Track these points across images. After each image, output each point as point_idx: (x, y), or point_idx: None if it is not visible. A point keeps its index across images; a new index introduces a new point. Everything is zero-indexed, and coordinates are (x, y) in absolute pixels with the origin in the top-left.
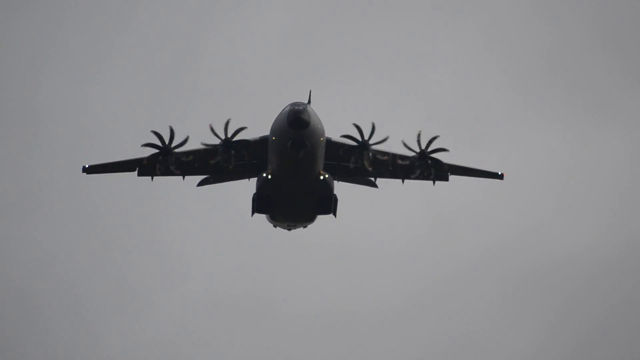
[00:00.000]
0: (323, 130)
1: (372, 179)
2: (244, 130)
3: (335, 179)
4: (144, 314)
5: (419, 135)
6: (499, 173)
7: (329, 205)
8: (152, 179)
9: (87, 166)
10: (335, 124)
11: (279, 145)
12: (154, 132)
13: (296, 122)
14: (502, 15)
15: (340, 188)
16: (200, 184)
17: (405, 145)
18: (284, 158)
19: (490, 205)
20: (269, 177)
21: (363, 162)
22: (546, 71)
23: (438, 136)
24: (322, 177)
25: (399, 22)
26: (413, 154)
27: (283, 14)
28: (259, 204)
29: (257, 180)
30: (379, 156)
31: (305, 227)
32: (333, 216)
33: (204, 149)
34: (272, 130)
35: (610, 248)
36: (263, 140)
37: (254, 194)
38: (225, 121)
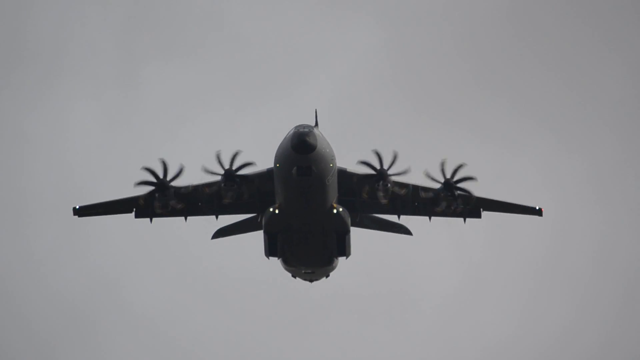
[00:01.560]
0: (333, 156)
1: (403, 224)
2: (252, 167)
3: (356, 221)
4: None
5: (442, 164)
6: (537, 208)
7: (341, 244)
8: (151, 220)
9: (77, 207)
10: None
11: (284, 172)
12: (146, 169)
13: (300, 146)
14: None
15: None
16: (216, 235)
17: (428, 175)
18: (290, 187)
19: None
20: (276, 211)
21: (377, 193)
22: None
23: (464, 164)
24: (335, 211)
25: None
26: (437, 185)
27: None
28: (270, 243)
29: (264, 216)
30: (396, 189)
31: (327, 276)
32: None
33: (203, 184)
34: (276, 157)
35: None
36: (270, 172)
37: (263, 232)
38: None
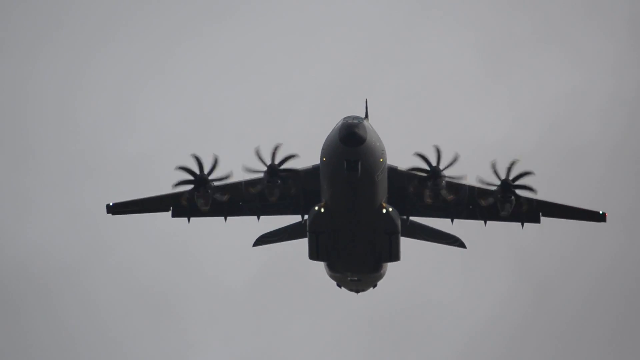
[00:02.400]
0: (383, 150)
1: (456, 235)
2: (295, 160)
3: (407, 225)
4: None
5: (494, 165)
6: (600, 213)
7: (391, 246)
8: (188, 220)
9: (111, 204)
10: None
11: (331, 166)
12: (181, 168)
13: (349, 138)
14: None
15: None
16: (257, 243)
17: (481, 181)
18: (337, 184)
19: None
20: (322, 210)
21: (439, 192)
22: None
23: (518, 160)
24: (384, 211)
25: None
26: (493, 187)
27: None
28: (315, 244)
29: (309, 215)
30: (445, 192)
31: (374, 286)
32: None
33: (245, 181)
34: (322, 150)
35: None
36: (316, 169)
37: (307, 232)
38: (273, 147)
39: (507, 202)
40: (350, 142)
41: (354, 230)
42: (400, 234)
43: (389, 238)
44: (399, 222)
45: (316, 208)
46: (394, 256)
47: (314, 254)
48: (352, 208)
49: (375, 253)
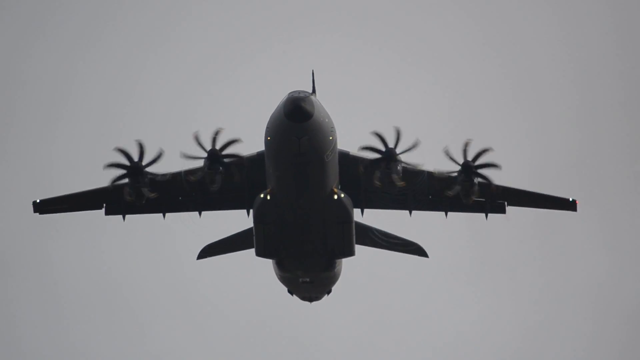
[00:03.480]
0: (332, 127)
1: (417, 242)
2: (238, 145)
3: (362, 237)
4: None
5: (465, 146)
6: (571, 200)
7: (344, 238)
8: (123, 217)
9: (38, 201)
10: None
11: (276, 145)
12: (119, 150)
13: (295, 112)
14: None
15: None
16: (201, 255)
17: (447, 154)
18: (283, 165)
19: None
20: (268, 197)
21: (391, 176)
22: None
23: (491, 149)
24: (336, 197)
25: None
26: (454, 171)
27: None
28: (261, 237)
29: (254, 204)
30: (410, 169)
31: (329, 292)
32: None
33: (184, 171)
34: (267, 129)
35: None
36: (260, 155)
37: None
38: (213, 131)
39: (471, 187)
40: (296, 117)
41: (303, 220)
42: (353, 225)
43: (342, 228)
44: (352, 211)
45: (262, 195)
46: (348, 250)
47: (261, 249)
48: (300, 194)
49: (328, 246)
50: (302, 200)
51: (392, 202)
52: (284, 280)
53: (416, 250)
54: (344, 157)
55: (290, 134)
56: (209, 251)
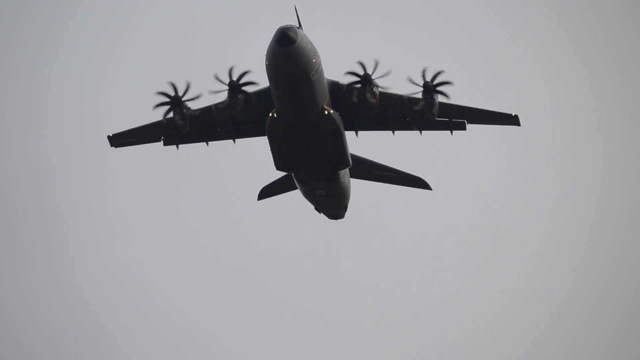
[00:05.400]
0: (315, 52)
1: (422, 178)
2: (250, 75)
3: (371, 173)
4: None
5: (424, 71)
6: (513, 115)
7: (337, 147)
8: (177, 147)
9: (111, 135)
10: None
11: (271, 67)
12: (160, 93)
13: (282, 38)
14: None
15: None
16: (261, 196)
17: (410, 80)
18: (279, 83)
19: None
20: (275, 115)
21: (366, 95)
22: None
23: (443, 71)
24: (326, 112)
25: None
26: (418, 92)
27: None
28: (276, 150)
29: (266, 123)
30: (383, 92)
31: (345, 208)
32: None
33: (214, 106)
34: (265, 57)
35: None
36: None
37: (267, 138)
38: (228, 68)
39: (433, 102)
40: (283, 42)
41: (304, 133)
42: (344, 136)
43: (334, 139)
44: (341, 124)
45: (270, 114)
46: (344, 159)
47: (279, 162)
48: (296, 109)
49: (327, 157)
50: (299, 115)
51: (377, 124)
52: (305, 194)
53: (419, 183)
54: (335, 85)
55: (279, 56)
56: (267, 192)
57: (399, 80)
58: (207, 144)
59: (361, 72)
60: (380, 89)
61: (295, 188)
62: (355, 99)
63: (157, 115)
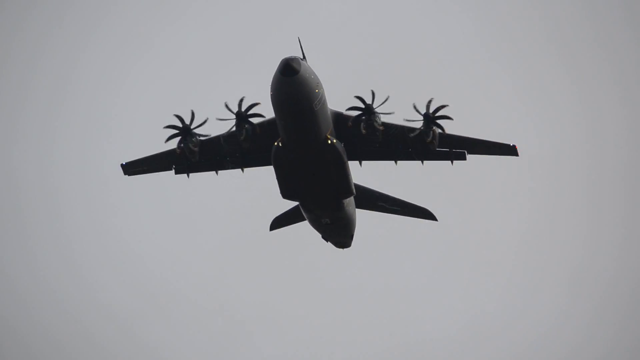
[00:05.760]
0: (318, 83)
1: (427, 209)
2: (259, 107)
3: (376, 204)
4: None
5: (429, 102)
6: (511, 145)
7: (341, 177)
8: (188, 175)
9: (124, 163)
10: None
11: (276, 98)
12: (176, 116)
13: (285, 68)
14: None
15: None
16: (273, 226)
17: (415, 108)
18: (283, 113)
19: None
20: (280, 144)
21: (373, 125)
22: None
23: (447, 105)
24: (329, 142)
25: None
26: (418, 124)
27: None
28: (281, 179)
29: (271, 152)
30: (386, 123)
31: (351, 237)
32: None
33: (221, 136)
34: (270, 87)
35: None
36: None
37: (273, 167)
38: (238, 99)
39: (431, 132)
40: (286, 72)
41: (307, 163)
42: (347, 165)
43: (338, 168)
44: (344, 154)
45: (275, 143)
46: (347, 188)
47: (284, 191)
48: (299, 139)
49: (331, 185)
50: (303, 144)
51: (380, 154)
52: (312, 222)
53: (425, 213)
54: (339, 116)
55: (283, 86)
56: (278, 223)
57: (397, 107)
58: (217, 172)
59: (362, 105)
60: (382, 121)
61: (305, 218)
62: (364, 131)
63: (170, 145)
